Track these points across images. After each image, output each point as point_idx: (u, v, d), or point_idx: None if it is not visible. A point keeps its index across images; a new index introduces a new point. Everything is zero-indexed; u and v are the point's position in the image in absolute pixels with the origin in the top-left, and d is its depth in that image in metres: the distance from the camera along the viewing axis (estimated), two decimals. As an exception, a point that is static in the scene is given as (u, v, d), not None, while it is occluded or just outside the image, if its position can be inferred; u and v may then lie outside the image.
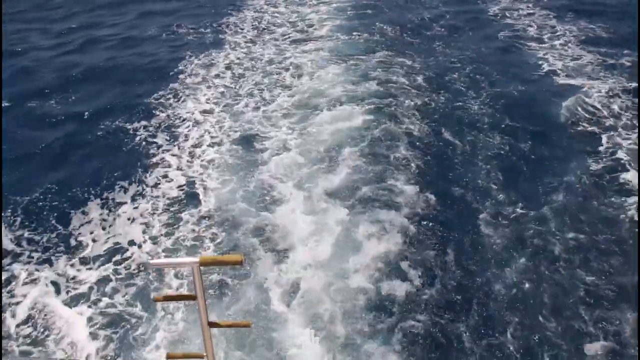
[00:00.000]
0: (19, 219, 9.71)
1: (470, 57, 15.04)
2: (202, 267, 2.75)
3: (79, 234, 9.37)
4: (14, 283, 8.30)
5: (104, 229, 9.48)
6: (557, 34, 16.14)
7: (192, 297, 2.85)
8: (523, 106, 12.28)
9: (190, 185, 10.47)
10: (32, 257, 8.87)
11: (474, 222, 8.88)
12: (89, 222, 9.67)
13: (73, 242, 9.20)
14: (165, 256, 8.41)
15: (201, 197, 10.10)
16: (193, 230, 9.18)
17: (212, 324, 2.92)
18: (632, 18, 16.69)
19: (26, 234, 9.33)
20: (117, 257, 8.82)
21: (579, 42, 15.52)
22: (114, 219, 9.70)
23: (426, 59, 15.11)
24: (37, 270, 8.60)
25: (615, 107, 11.69)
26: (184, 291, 7.87)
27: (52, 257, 8.85)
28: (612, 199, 9.03)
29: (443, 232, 8.78)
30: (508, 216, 8.95)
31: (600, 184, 9.42)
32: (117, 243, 9.15)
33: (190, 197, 10.16)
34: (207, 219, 9.49)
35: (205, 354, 3.00)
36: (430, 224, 8.88)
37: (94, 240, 9.22)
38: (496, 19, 18.42)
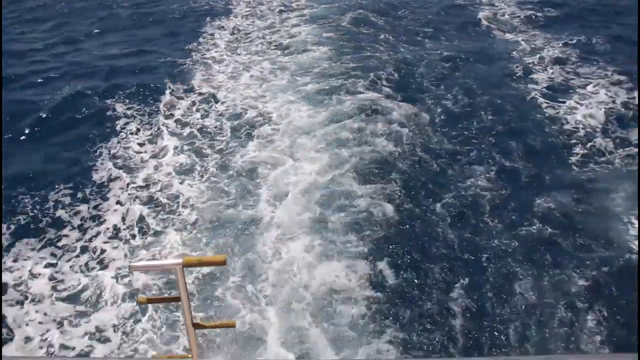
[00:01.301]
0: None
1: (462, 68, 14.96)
2: (185, 269, 2.77)
3: (62, 234, 9.36)
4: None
5: (85, 229, 9.46)
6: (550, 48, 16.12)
7: (176, 299, 2.87)
8: (510, 119, 12.23)
9: (169, 188, 10.47)
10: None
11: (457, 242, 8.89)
12: (74, 218, 9.67)
13: (58, 241, 9.20)
14: (148, 259, 8.43)
15: (182, 200, 10.09)
16: (176, 232, 9.20)
17: (196, 325, 2.94)
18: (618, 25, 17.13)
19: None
20: (100, 257, 8.83)
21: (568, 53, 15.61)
22: (97, 218, 9.70)
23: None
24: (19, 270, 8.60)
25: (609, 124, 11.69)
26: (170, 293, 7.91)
27: (38, 258, 8.83)
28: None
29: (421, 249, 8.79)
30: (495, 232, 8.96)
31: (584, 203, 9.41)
32: (99, 244, 9.14)
33: (173, 199, 10.17)
34: (189, 222, 9.51)
35: (190, 356, 3.02)
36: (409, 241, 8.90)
37: (77, 240, 9.24)
38: (483, 26, 18.44)
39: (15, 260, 8.78)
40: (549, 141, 11.36)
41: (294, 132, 11.79)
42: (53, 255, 8.96)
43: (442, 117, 12.36)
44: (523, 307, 7.56)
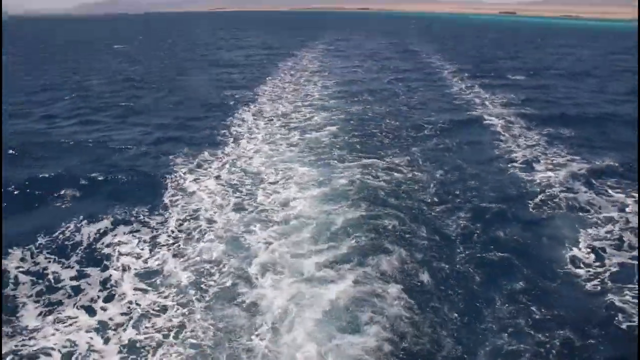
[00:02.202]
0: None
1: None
2: None
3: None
4: None
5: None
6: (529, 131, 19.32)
7: None
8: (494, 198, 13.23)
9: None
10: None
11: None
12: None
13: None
14: None
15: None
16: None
17: None
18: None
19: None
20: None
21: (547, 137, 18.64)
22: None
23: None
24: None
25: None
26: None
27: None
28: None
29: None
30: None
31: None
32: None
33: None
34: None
35: None
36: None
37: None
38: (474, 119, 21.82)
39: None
40: (515, 195, 13.54)
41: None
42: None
43: (434, 181, 14.39)
44: (483, 324, 8.34)
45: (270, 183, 13.94)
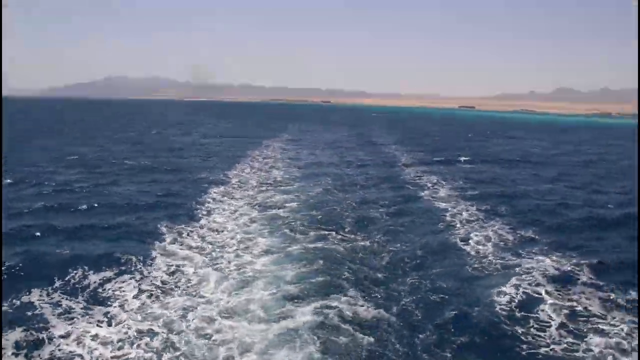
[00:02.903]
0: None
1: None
2: None
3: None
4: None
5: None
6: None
7: None
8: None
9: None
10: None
11: None
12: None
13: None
14: None
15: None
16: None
17: None
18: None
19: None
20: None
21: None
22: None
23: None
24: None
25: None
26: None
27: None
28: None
29: None
30: None
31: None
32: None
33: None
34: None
35: None
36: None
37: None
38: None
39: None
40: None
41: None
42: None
43: (385, 250, 16.35)
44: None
45: (234, 250, 15.80)
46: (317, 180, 28.87)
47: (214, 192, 24.17)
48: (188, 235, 17.20)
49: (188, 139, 55.69)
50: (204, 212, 20.33)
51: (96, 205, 20.84)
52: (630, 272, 14.48)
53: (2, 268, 13.10)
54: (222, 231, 17.81)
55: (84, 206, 20.55)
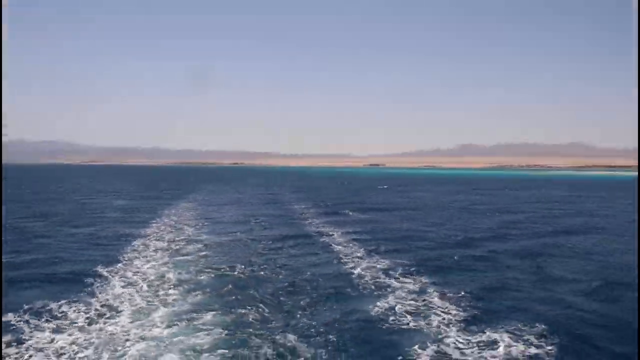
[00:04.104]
0: None
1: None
2: None
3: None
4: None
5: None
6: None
7: None
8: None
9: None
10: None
11: None
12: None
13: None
14: None
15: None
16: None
17: None
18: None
19: None
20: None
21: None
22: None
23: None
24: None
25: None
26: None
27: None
28: None
29: None
30: None
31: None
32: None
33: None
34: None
35: None
36: None
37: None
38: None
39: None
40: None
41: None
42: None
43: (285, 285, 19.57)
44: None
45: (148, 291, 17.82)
46: (226, 230, 31.84)
47: (133, 244, 26.48)
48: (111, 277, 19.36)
49: (103, 200, 56.74)
50: (126, 260, 22.59)
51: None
52: (471, 285, 18.57)
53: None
54: (140, 274, 20.01)
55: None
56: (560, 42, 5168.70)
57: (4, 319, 14.10)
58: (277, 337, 13.33)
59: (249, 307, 15.81)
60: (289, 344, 12.80)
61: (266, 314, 15.28)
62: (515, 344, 12.88)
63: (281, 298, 17.05)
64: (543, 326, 14.04)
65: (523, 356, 12.21)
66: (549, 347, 12.69)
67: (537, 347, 12.71)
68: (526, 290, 18.27)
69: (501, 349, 12.58)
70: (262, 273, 20.60)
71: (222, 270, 20.97)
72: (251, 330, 13.83)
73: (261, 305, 16.12)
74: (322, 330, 13.90)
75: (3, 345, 12.28)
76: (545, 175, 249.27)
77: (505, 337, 13.29)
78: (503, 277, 20.19)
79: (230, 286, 18.23)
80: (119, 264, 21.72)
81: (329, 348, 12.63)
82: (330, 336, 13.39)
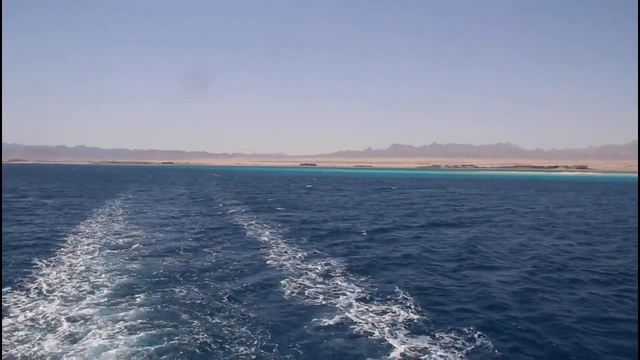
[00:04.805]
0: None
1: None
2: None
3: None
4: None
5: None
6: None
7: None
8: None
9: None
10: None
11: None
12: None
13: None
14: None
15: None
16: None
17: None
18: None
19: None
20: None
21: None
22: None
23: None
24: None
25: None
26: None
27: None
28: None
29: None
30: None
31: None
32: None
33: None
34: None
35: None
36: None
37: None
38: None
39: None
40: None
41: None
42: None
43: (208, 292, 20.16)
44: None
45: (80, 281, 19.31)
46: (153, 224, 33.40)
47: (65, 239, 27.54)
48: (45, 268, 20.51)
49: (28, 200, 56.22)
50: (59, 253, 23.76)
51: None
52: (371, 269, 21.12)
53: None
54: (74, 267, 21.21)
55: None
56: (490, 43, 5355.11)
57: None
58: (200, 314, 15.20)
59: (174, 290, 17.70)
60: (211, 323, 14.53)
61: (190, 297, 17.07)
62: (401, 312, 15.59)
63: (206, 282, 18.96)
64: (421, 296, 17.17)
65: (405, 320, 14.86)
66: (424, 315, 15.40)
67: (415, 312, 15.47)
68: (413, 269, 21.85)
69: (387, 316, 15.25)
70: (187, 261, 22.49)
71: (149, 260, 22.67)
72: (175, 307, 15.71)
73: (184, 288, 17.99)
74: (243, 309, 15.87)
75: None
76: (471, 175, 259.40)
77: (394, 307, 15.99)
78: (397, 261, 23.47)
79: (155, 272, 20.07)
80: (53, 257, 22.91)
81: (250, 324, 14.53)
82: (251, 314, 15.35)
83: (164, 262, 22.27)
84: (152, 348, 12.60)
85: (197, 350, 12.61)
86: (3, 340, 12.84)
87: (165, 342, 13.00)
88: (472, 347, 12.97)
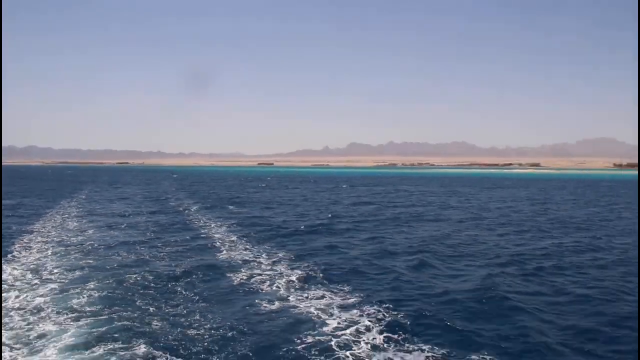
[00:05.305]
0: None
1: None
2: None
3: None
4: None
5: None
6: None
7: None
8: None
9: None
10: None
11: None
12: None
13: None
14: None
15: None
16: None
17: None
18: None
19: None
20: None
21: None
22: None
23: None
24: None
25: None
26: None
27: None
28: None
29: None
30: None
31: None
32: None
33: None
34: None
35: None
36: None
37: None
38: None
39: None
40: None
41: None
42: None
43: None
44: None
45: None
46: (110, 225, 34.47)
47: (19, 238, 28.52)
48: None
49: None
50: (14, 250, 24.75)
51: None
52: (308, 257, 23.22)
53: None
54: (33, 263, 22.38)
55: None
56: (446, 44, 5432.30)
57: None
58: (152, 301, 16.64)
59: (126, 279, 19.12)
60: (163, 310, 15.78)
61: (142, 284, 18.52)
62: (334, 297, 17.35)
63: (158, 271, 20.34)
64: (354, 284, 19.05)
65: (336, 300, 16.82)
66: (354, 294, 17.46)
67: (349, 298, 17.25)
68: (338, 257, 24.33)
69: (324, 300, 17.05)
70: (140, 255, 23.88)
71: (103, 254, 24.07)
72: (128, 294, 17.13)
73: (137, 276, 19.43)
74: (192, 295, 17.47)
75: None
76: (425, 173, 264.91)
77: (327, 294, 17.79)
78: (335, 251, 25.90)
79: (109, 266, 21.34)
80: (9, 255, 23.86)
81: (199, 308, 16.04)
82: (202, 303, 16.69)
83: (118, 257, 23.51)
84: (103, 329, 13.71)
85: (147, 330, 13.80)
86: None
87: (116, 323, 14.19)
88: (387, 314, 15.20)
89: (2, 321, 14.33)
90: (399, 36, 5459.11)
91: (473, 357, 12.45)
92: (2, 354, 12.22)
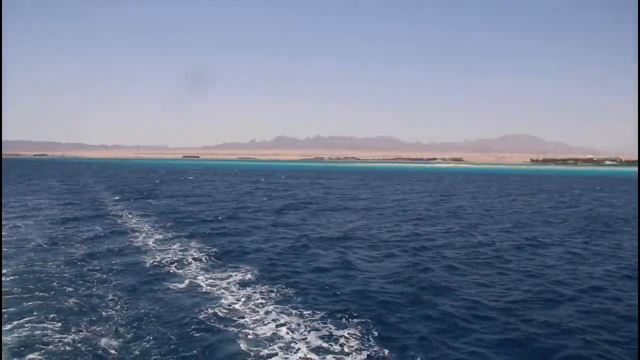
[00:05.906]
0: None
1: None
2: None
3: None
4: None
5: None
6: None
7: None
8: None
9: None
10: None
11: None
12: None
13: None
14: None
15: None
16: None
17: None
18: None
19: None
20: None
21: None
22: None
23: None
24: None
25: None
26: None
27: None
28: None
29: None
30: None
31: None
32: None
33: None
34: None
35: None
36: None
37: None
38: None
39: None
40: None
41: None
42: None
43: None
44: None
45: None
46: (25, 219, 34.81)
47: None
48: None
49: None
50: None
51: None
52: (218, 242, 25.36)
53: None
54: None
55: None
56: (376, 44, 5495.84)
57: None
58: (71, 285, 18.01)
59: (45, 267, 20.27)
60: (80, 292, 16.98)
61: (60, 271, 19.71)
62: (241, 276, 19.51)
63: (74, 259, 21.58)
64: (255, 262, 21.61)
65: (239, 280, 18.89)
66: (254, 273, 19.74)
67: (244, 272, 19.72)
68: (254, 242, 26.48)
69: (234, 277, 19.31)
70: (57, 244, 25.03)
71: (14, 245, 24.73)
72: (45, 280, 18.39)
73: (54, 264, 20.67)
74: (108, 278, 18.90)
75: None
76: (350, 167, 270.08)
77: (233, 273, 19.93)
78: (247, 237, 28.09)
79: (26, 257, 22.06)
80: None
81: (111, 291, 17.22)
82: (119, 280, 18.38)
83: (31, 245, 24.48)
84: (14, 309, 14.83)
85: (68, 313, 14.84)
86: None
87: (29, 303, 15.50)
88: (274, 288, 17.73)
89: None
90: (323, 37, 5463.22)
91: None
92: None
